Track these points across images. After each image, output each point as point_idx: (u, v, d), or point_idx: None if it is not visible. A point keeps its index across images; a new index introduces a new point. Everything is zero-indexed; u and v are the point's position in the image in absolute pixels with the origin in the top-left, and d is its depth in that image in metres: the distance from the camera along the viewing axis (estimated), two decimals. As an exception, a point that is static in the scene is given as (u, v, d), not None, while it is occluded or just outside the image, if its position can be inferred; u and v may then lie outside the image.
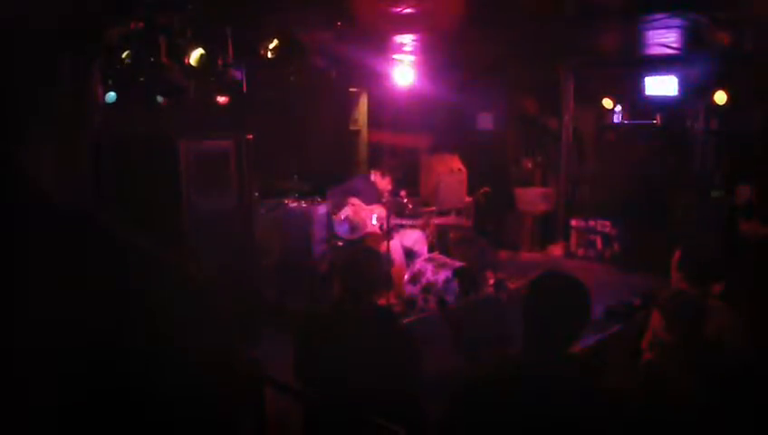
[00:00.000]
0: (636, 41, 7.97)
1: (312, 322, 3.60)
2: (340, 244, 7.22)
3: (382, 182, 7.60)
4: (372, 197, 7.44)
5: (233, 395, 0.86)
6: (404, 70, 8.84)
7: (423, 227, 7.81)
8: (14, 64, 0.77)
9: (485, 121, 11.28)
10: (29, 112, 0.79)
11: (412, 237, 7.55)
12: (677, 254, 4.15)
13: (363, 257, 3.56)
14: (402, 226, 7.58)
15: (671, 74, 8.82)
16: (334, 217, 7.31)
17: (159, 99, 6.55)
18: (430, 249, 7.63)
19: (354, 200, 7.29)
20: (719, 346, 3.58)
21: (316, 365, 3.36)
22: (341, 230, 7.23)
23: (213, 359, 0.83)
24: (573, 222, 10.09)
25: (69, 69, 0.81)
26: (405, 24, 6.67)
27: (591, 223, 9.90)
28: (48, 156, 0.83)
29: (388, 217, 6.98)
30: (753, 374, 3.35)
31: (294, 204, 7.98)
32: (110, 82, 6.26)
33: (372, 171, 7.81)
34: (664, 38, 7.53)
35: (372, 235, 7.18)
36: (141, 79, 6.19)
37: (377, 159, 9.29)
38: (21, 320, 0.72)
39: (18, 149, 0.79)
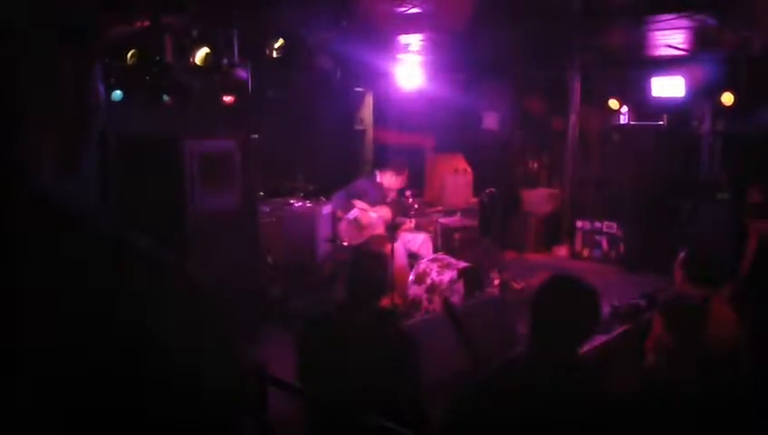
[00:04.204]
0: (643, 41, 7.95)
1: (316, 323, 3.59)
2: (345, 244, 7.21)
3: (396, 181, 7.55)
4: (377, 198, 7.42)
5: (235, 397, 0.85)
6: (409, 70, 8.83)
7: (428, 228, 7.79)
8: (14, 64, 0.76)
9: (491, 122, 11.25)
10: (30, 112, 0.79)
11: (418, 241, 7.53)
12: (682, 255, 4.14)
13: (369, 261, 3.55)
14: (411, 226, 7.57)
15: (678, 75, 8.79)
16: (340, 219, 7.29)
17: (165, 98, 6.55)
18: (435, 250, 7.62)
19: (359, 203, 7.27)
20: (720, 349, 3.55)
21: (319, 366, 3.35)
22: (347, 233, 7.22)
23: (215, 363, 0.82)
24: (579, 223, 10.07)
25: (70, 68, 0.81)
26: (410, 24, 6.66)
27: (597, 224, 9.88)
28: (50, 157, 0.82)
29: (393, 219, 6.96)
30: (756, 378, 3.33)
31: (299, 204, 7.97)
32: (112, 80, 6.25)
33: (379, 171, 7.76)
34: (671, 39, 7.51)
35: (377, 237, 7.17)
36: (147, 78, 6.20)
37: (387, 158, 9.27)
38: (20, 323, 0.72)
39: (19, 150, 0.78)
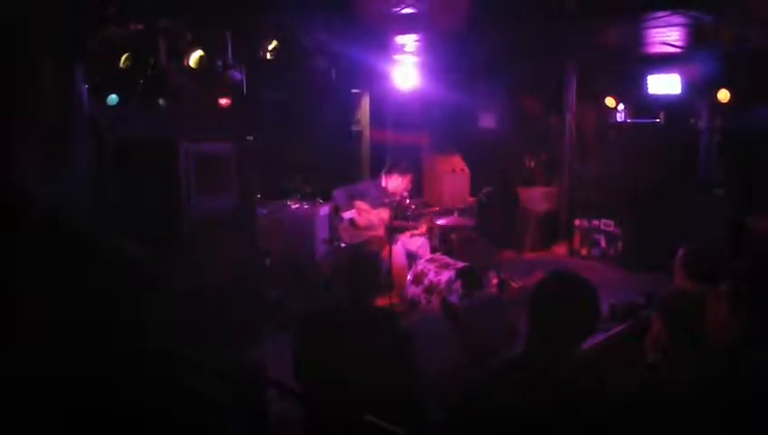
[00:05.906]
0: (639, 38, 7.94)
1: (313, 323, 3.58)
2: (343, 245, 7.20)
3: (401, 184, 7.49)
4: (379, 200, 7.39)
5: (230, 398, 0.84)
6: (405, 70, 8.81)
7: (424, 227, 7.77)
8: (9, 64, 0.75)
9: (488, 121, 11.24)
10: (13, 112, 0.77)
11: (416, 243, 7.51)
12: (681, 252, 4.13)
13: (364, 260, 3.54)
14: (405, 228, 7.54)
15: (674, 72, 8.79)
16: (341, 219, 7.27)
17: (160, 101, 6.53)
18: (432, 250, 7.61)
19: (360, 203, 7.25)
20: (720, 346, 3.54)
21: (317, 367, 3.35)
22: (345, 233, 7.21)
23: (206, 364, 0.81)
24: (577, 221, 10.05)
25: (51, 70, 0.79)
26: (405, 24, 6.65)
27: (595, 222, 9.86)
28: (34, 156, 0.81)
29: (391, 220, 6.94)
30: (755, 375, 3.32)
31: (296, 205, 7.96)
32: (100, 82, 6.22)
33: (385, 175, 7.62)
34: (667, 36, 7.50)
35: (375, 237, 7.15)
36: (141, 81, 6.18)
37: (385, 159, 9.22)
38: (13, 324, 0.70)
39: (8, 152, 0.77)
